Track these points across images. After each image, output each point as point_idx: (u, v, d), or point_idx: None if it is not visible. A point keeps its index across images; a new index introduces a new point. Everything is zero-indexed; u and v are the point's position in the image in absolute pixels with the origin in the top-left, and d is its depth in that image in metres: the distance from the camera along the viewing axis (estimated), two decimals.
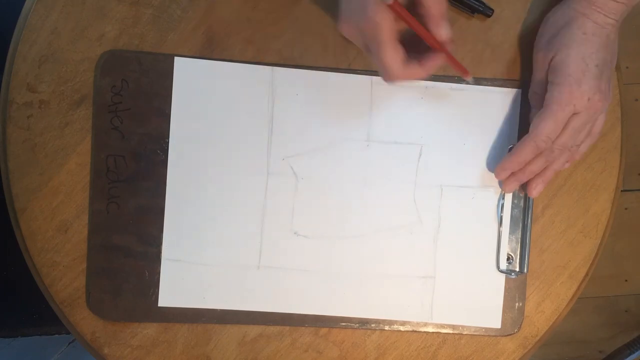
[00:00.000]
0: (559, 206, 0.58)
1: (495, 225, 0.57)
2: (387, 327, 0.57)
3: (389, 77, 0.48)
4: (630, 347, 1.19)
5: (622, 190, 0.64)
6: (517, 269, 0.57)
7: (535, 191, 0.55)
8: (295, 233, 0.56)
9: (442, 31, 0.48)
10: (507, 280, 0.57)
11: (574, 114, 0.50)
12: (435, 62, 0.49)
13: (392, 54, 0.46)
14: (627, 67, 1.27)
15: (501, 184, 0.56)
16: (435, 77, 0.56)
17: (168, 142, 0.55)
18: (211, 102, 0.55)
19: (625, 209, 1.33)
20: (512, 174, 0.54)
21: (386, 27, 0.46)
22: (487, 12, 0.56)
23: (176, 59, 0.55)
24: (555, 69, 0.51)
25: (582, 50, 0.49)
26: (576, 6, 0.51)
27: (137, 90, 0.55)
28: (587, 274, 0.58)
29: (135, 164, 0.55)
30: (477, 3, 0.55)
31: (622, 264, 1.35)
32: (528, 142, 0.52)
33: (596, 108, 0.50)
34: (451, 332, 0.57)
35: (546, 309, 0.58)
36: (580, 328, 1.37)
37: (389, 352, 0.57)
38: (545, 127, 0.50)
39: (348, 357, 0.57)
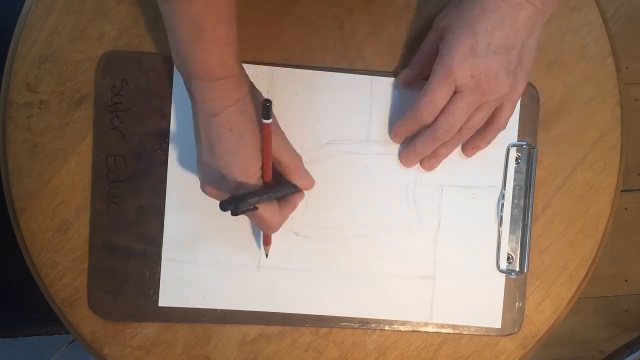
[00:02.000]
0: (559, 206, 0.58)
1: (496, 225, 0.57)
2: (387, 327, 0.57)
3: (270, 230, 0.51)
4: (630, 347, 1.19)
5: (622, 190, 0.64)
6: (517, 269, 0.57)
7: (427, 166, 0.55)
8: (295, 233, 0.56)
9: (305, 181, 0.51)
10: (507, 280, 0.57)
11: (457, 91, 0.48)
12: (295, 201, 0.52)
13: (271, 209, 0.49)
14: (627, 67, 1.27)
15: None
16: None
17: (168, 142, 0.55)
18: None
19: (625, 209, 1.33)
20: (407, 150, 0.54)
21: (258, 175, 0.48)
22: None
23: None
24: (444, 38, 0.48)
25: (476, 26, 0.46)
26: None
27: (137, 90, 0.55)
28: (587, 274, 0.58)
29: (136, 164, 0.55)
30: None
31: (622, 264, 1.35)
32: (410, 112, 0.51)
33: (484, 90, 0.47)
34: (451, 332, 0.57)
35: (546, 309, 0.58)
36: (580, 328, 1.37)
37: (389, 352, 0.57)
38: (424, 100, 0.49)
39: (348, 357, 0.57)
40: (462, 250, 0.57)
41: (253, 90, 0.48)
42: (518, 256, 0.57)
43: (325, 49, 0.56)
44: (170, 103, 0.55)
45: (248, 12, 0.55)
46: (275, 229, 0.51)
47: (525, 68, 0.49)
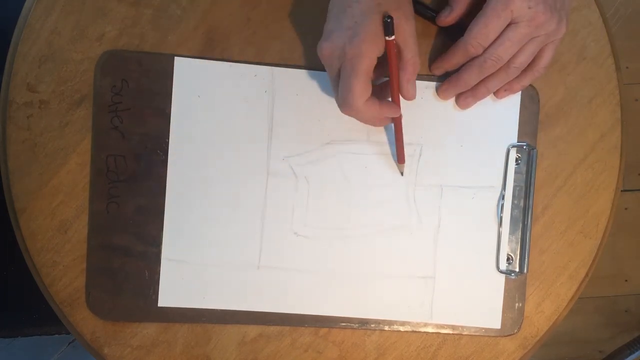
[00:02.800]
0: (559, 206, 0.58)
1: (495, 225, 0.57)
2: (386, 328, 0.57)
3: (348, 107, 0.48)
4: (630, 347, 1.19)
5: (622, 190, 0.64)
6: (517, 270, 0.57)
7: (463, 103, 0.55)
8: (295, 233, 0.56)
9: (409, 90, 0.49)
10: (507, 281, 0.57)
11: (512, 23, 0.48)
12: (392, 112, 0.50)
13: (362, 87, 0.46)
14: (627, 67, 1.27)
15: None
16: (435, 78, 0.56)
17: (168, 142, 0.55)
18: (211, 102, 0.55)
19: (625, 209, 1.33)
20: (448, 82, 0.54)
21: (368, 60, 0.46)
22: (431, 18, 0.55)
23: (176, 59, 0.55)
24: None
25: None
26: None
27: (137, 90, 0.55)
28: (587, 274, 0.58)
29: (135, 164, 0.55)
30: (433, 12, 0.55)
31: (622, 264, 1.35)
32: (458, 44, 0.51)
33: (539, 22, 0.47)
34: (451, 332, 0.57)
35: (546, 309, 0.58)
36: (580, 328, 1.37)
37: (388, 352, 0.57)
38: (476, 30, 0.49)
39: (348, 357, 0.57)
40: (462, 251, 0.57)
41: None
42: (518, 257, 0.57)
43: None
44: (171, 103, 0.55)
45: (249, 13, 0.55)
46: (352, 107, 0.47)
47: (567, 10, 0.50)
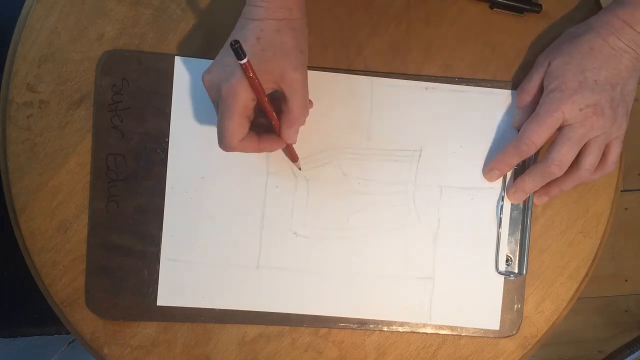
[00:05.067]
0: (559, 206, 0.58)
1: (495, 226, 0.57)
2: (385, 328, 0.57)
3: (223, 146, 0.48)
4: (630, 347, 1.19)
5: (622, 190, 0.64)
6: (516, 271, 0.57)
7: (537, 200, 0.56)
8: (294, 233, 0.56)
9: (290, 135, 0.49)
10: (506, 282, 0.57)
11: (567, 125, 0.50)
12: (273, 146, 0.50)
13: (237, 127, 0.46)
14: None
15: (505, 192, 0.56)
16: (435, 78, 0.56)
17: (168, 141, 0.55)
18: (211, 102, 0.55)
19: (625, 209, 1.33)
20: (515, 186, 0.55)
21: (242, 99, 0.45)
22: (535, 9, 0.56)
23: (176, 58, 0.55)
24: (551, 74, 0.51)
25: (584, 62, 0.49)
26: (593, 24, 0.51)
27: (138, 90, 0.55)
28: (587, 274, 0.58)
29: (135, 163, 0.55)
30: (524, 3, 0.55)
31: (622, 264, 1.35)
32: (511, 144, 0.53)
33: (592, 124, 0.49)
34: (450, 333, 0.57)
35: (546, 309, 0.58)
36: (580, 328, 1.37)
37: (388, 352, 0.57)
38: (529, 130, 0.50)
39: (348, 357, 0.57)
40: (461, 252, 0.57)
41: (302, 25, 0.48)
42: (517, 258, 0.57)
43: (325, 49, 0.56)
44: (171, 103, 0.55)
45: None
46: (228, 145, 0.47)
47: (627, 107, 0.51)
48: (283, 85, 0.46)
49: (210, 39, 0.55)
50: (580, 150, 0.51)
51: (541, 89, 0.52)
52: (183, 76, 0.55)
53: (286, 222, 0.56)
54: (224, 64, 0.47)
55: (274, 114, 0.48)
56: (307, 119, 0.50)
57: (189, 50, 0.55)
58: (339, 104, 0.56)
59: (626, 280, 1.36)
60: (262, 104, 0.47)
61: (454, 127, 0.56)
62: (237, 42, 0.41)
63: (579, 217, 0.58)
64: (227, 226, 0.55)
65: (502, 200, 0.56)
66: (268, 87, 0.47)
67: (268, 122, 0.49)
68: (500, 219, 0.56)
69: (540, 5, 0.56)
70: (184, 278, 0.55)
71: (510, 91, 0.56)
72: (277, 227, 0.56)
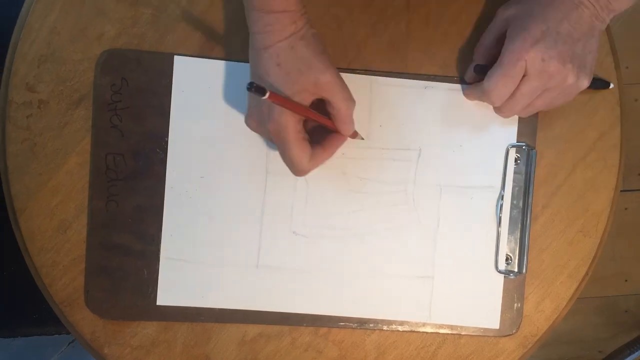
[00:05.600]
0: (559, 205, 0.58)
1: (494, 225, 0.57)
2: (385, 327, 0.57)
3: (298, 173, 0.50)
4: (630, 347, 1.19)
5: (622, 190, 0.64)
6: (516, 270, 0.57)
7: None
8: (294, 232, 0.56)
9: (348, 128, 0.49)
10: (505, 281, 0.57)
11: (525, 75, 0.49)
12: (337, 144, 0.51)
13: (299, 153, 0.48)
14: (627, 67, 1.27)
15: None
16: (434, 77, 0.56)
17: (167, 140, 0.55)
18: (211, 101, 0.55)
19: (625, 209, 1.33)
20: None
21: (291, 128, 0.47)
22: (605, 86, 0.57)
23: (176, 57, 0.55)
24: (514, 24, 0.50)
25: (545, 12, 0.48)
26: None
27: (137, 89, 0.55)
28: (586, 274, 0.58)
29: (135, 163, 0.55)
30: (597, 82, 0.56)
31: (622, 264, 1.35)
32: (478, 87, 0.52)
33: (552, 74, 0.48)
34: (449, 332, 0.57)
35: (546, 308, 0.58)
36: (580, 328, 1.37)
37: (388, 352, 0.57)
38: (493, 81, 0.49)
39: (348, 356, 0.57)
40: (461, 251, 0.56)
41: (308, 28, 0.48)
42: (517, 257, 0.57)
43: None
44: (170, 102, 0.55)
45: None
46: (301, 170, 0.49)
47: (589, 65, 0.50)
48: (321, 92, 0.47)
49: (209, 39, 0.55)
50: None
51: (499, 41, 0.51)
52: (182, 75, 0.55)
53: (286, 222, 0.56)
54: (258, 105, 0.48)
55: (326, 120, 0.49)
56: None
57: (188, 50, 0.55)
58: None
59: (626, 280, 1.36)
60: (311, 118, 0.48)
61: (453, 126, 0.56)
62: (250, 84, 0.42)
63: (578, 216, 0.58)
64: (227, 225, 0.55)
65: (502, 199, 0.56)
66: (310, 100, 0.48)
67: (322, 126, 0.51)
68: (500, 218, 0.56)
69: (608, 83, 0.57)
70: (183, 277, 0.55)
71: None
72: (277, 226, 0.56)
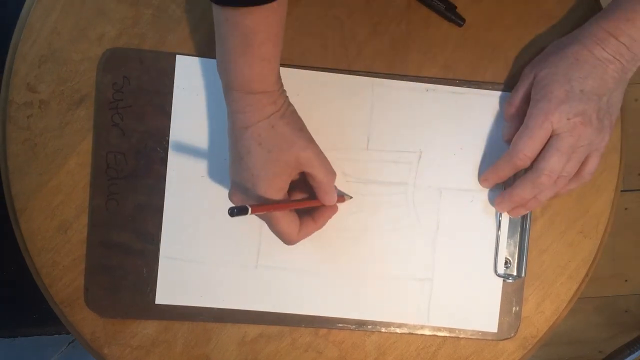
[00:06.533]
0: (559, 206, 0.58)
1: (494, 228, 0.57)
2: (383, 329, 0.57)
3: (288, 243, 0.51)
4: (630, 347, 1.19)
5: (622, 190, 0.64)
6: (515, 274, 0.57)
7: (515, 213, 0.55)
8: None
9: (330, 199, 0.50)
10: (504, 285, 0.57)
11: (555, 134, 0.49)
12: (327, 215, 0.52)
13: (287, 226, 0.49)
14: None
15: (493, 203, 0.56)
16: (435, 80, 0.56)
17: (168, 139, 0.55)
18: (212, 101, 0.55)
19: (625, 209, 1.33)
20: (502, 196, 0.54)
21: (276, 200, 0.48)
22: (458, 22, 0.56)
23: (178, 57, 0.55)
24: (538, 84, 0.51)
25: (570, 72, 0.49)
26: (578, 35, 0.51)
27: (138, 88, 0.55)
28: (587, 274, 0.58)
29: (135, 162, 0.55)
30: (448, 13, 0.56)
31: (622, 264, 1.35)
32: (505, 158, 0.52)
33: (580, 133, 0.49)
34: (448, 335, 0.57)
35: (546, 309, 0.58)
36: (580, 328, 1.37)
37: (388, 353, 0.57)
38: (520, 144, 0.50)
39: (348, 357, 0.57)
40: (460, 254, 0.56)
41: (287, 106, 0.49)
42: (516, 261, 0.57)
43: (325, 49, 0.56)
44: (171, 101, 0.55)
45: None
46: (290, 242, 0.51)
47: (612, 118, 0.51)
48: (303, 167, 0.48)
49: (210, 39, 0.55)
50: None
51: (527, 101, 0.52)
52: (184, 75, 0.55)
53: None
54: (243, 180, 0.48)
55: (309, 203, 0.50)
56: (308, 119, 0.50)
57: (189, 50, 0.55)
58: (339, 104, 0.56)
59: (626, 280, 1.36)
60: (296, 208, 0.50)
61: (454, 129, 0.56)
62: (231, 210, 0.42)
63: (579, 217, 0.58)
64: (227, 225, 0.55)
65: None
66: (293, 175, 0.49)
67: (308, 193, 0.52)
68: (500, 221, 0.56)
69: (463, 19, 0.56)
70: (182, 277, 0.55)
71: (509, 93, 0.56)
72: None
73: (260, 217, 0.51)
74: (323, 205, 0.51)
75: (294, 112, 0.50)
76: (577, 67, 0.49)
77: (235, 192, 0.49)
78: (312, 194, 0.51)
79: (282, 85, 0.50)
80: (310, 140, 0.49)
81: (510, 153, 0.51)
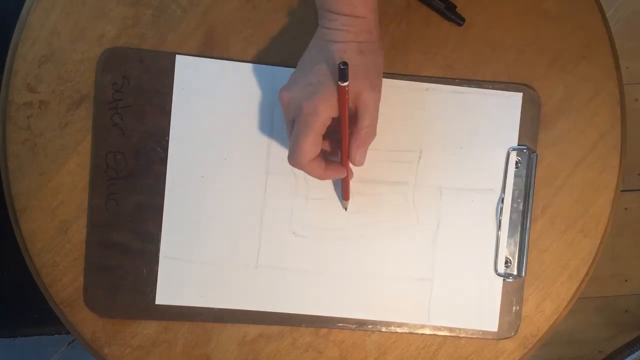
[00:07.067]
0: (559, 206, 0.58)
1: (494, 228, 0.57)
2: (384, 329, 0.57)
3: (293, 162, 0.48)
4: (630, 347, 1.19)
5: (622, 190, 0.64)
6: (515, 273, 0.57)
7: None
8: (293, 233, 0.56)
9: (358, 156, 0.49)
10: (504, 284, 0.57)
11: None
12: (336, 175, 0.51)
13: (310, 145, 0.47)
14: (627, 67, 1.27)
15: None
16: (436, 79, 0.56)
17: (168, 139, 0.55)
18: (212, 101, 0.55)
19: (625, 209, 1.33)
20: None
21: (322, 118, 0.46)
22: (458, 22, 0.56)
23: (177, 57, 0.55)
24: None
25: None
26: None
27: (138, 88, 0.55)
28: (587, 274, 0.58)
29: (135, 161, 0.55)
30: (448, 13, 0.56)
31: (622, 264, 1.35)
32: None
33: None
34: (448, 334, 0.57)
35: (546, 308, 0.58)
36: (580, 328, 1.37)
37: (389, 352, 0.57)
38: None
39: (348, 357, 0.57)
40: (460, 253, 0.56)
41: (379, 47, 0.49)
42: (516, 260, 0.57)
43: None
44: (171, 101, 0.55)
45: (249, 12, 0.55)
46: (297, 164, 0.48)
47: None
48: (358, 105, 0.47)
49: (209, 39, 0.55)
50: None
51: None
52: (184, 74, 0.55)
53: (285, 222, 0.56)
54: (305, 82, 0.47)
55: (346, 137, 0.48)
56: None
57: (189, 50, 0.55)
58: None
59: (626, 280, 1.36)
60: (343, 124, 0.47)
61: (454, 128, 0.56)
62: (345, 64, 0.42)
63: (579, 217, 0.58)
64: (227, 225, 0.55)
65: (502, 202, 0.56)
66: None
67: (331, 149, 0.51)
68: (500, 220, 0.56)
69: (463, 19, 0.56)
70: (182, 277, 0.55)
71: (510, 93, 0.56)
72: (277, 226, 0.56)
73: (295, 121, 0.48)
74: (338, 164, 0.50)
75: (382, 55, 0.50)
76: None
77: (290, 88, 0.48)
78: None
79: (379, 25, 0.49)
80: (380, 88, 0.48)
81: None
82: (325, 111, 0.46)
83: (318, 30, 0.49)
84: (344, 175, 0.52)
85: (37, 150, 0.55)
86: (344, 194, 0.55)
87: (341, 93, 0.45)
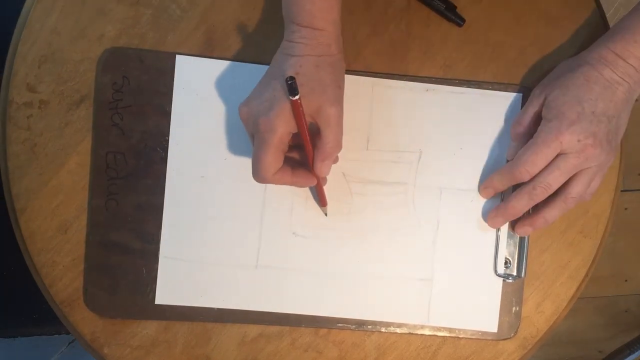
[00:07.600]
0: None
1: (494, 229, 0.57)
2: (383, 329, 0.57)
3: (257, 178, 0.49)
4: (630, 347, 1.19)
5: (622, 190, 0.64)
6: (515, 274, 0.56)
7: (520, 231, 0.55)
8: (293, 233, 0.56)
9: (322, 169, 0.49)
10: (504, 285, 0.57)
11: (562, 154, 0.49)
12: (306, 183, 0.51)
13: (271, 161, 0.47)
14: None
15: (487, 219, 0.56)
16: (436, 80, 0.56)
17: (168, 139, 0.55)
18: (212, 101, 0.55)
19: (625, 209, 1.33)
20: (496, 210, 0.54)
21: (279, 134, 0.46)
22: (458, 22, 0.56)
23: (178, 56, 0.55)
24: (549, 106, 0.50)
25: (580, 94, 0.49)
26: (587, 57, 0.51)
27: (138, 88, 0.55)
28: (587, 274, 0.58)
29: (135, 161, 0.55)
30: (448, 13, 0.56)
31: (622, 264, 1.35)
32: (506, 169, 0.52)
33: (588, 154, 0.49)
34: (447, 335, 0.57)
35: (546, 309, 0.58)
36: (580, 328, 1.37)
37: (388, 352, 0.57)
38: (524, 158, 0.50)
39: (348, 357, 0.57)
40: (460, 254, 0.56)
41: (339, 60, 0.50)
42: (516, 261, 0.57)
43: None
44: (171, 101, 0.55)
45: (249, 12, 0.55)
46: (262, 180, 0.48)
47: (618, 139, 0.52)
48: (319, 120, 0.47)
49: (209, 39, 0.55)
50: (569, 178, 0.51)
51: (536, 122, 0.52)
52: (184, 75, 0.55)
53: (285, 222, 0.56)
54: (262, 98, 0.47)
55: (311, 147, 0.48)
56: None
57: (189, 50, 0.55)
58: None
59: (626, 280, 1.36)
60: (304, 138, 0.48)
61: (454, 129, 0.56)
62: (292, 78, 0.43)
63: (579, 217, 0.58)
64: (227, 225, 0.55)
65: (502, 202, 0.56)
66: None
67: (300, 157, 0.51)
68: None
69: (463, 19, 0.56)
70: (182, 277, 0.55)
71: (510, 93, 0.56)
72: (277, 227, 0.56)
73: (254, 138, 0.48)
74: (307, 171, 0.50)
75: (343, 69, 0.50)
76: (588, 89, 0.49)
77: (248, 104, 0.48)
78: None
79: (340, 39, 0.50)
80: (341, 101, 0.48)
81: (513, 164, 0.51)
82: (281, 127, 0.46)
83: (282, 43, 0.50)
84: (313, 184, 0.52)
85: (37, 150, 0.55)
86: (320, 200, 0.55)
87: (294, 107, 0.45)
